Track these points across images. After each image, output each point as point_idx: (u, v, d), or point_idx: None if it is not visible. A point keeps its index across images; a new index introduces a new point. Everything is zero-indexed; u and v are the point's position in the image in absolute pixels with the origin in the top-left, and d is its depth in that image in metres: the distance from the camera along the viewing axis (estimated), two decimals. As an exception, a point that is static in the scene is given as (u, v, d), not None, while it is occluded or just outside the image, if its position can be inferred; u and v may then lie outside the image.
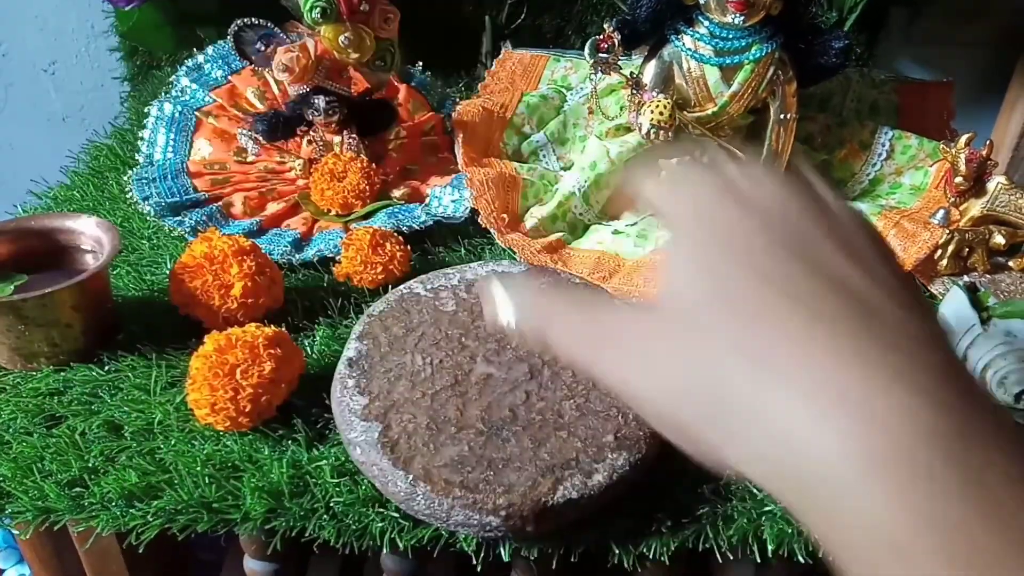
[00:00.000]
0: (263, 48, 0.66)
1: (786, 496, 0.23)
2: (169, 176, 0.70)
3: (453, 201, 0.68)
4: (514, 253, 0.63)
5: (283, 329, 0.48)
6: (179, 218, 0.65)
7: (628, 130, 0.71)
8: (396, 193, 0.70)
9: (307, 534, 0.43)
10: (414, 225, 0.65)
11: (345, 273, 0.59)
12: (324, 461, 0.44)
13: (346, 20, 0.64)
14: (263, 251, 0.55)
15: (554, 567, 0.43)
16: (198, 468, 0.44)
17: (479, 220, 0.65)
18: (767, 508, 0.43)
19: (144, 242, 0.65)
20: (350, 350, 0.47)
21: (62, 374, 0.50)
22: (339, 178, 0.67)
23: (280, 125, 0.69)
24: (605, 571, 0.44)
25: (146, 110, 0.78)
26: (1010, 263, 0.65)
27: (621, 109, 0.73)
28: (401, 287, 0.52)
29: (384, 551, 0.43)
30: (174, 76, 0.82)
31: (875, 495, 0.21)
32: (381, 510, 0.42)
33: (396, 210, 0.67)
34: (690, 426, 0.25)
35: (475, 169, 0.69)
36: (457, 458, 0.41)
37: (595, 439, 0.42)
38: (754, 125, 0.71)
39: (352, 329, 0.49)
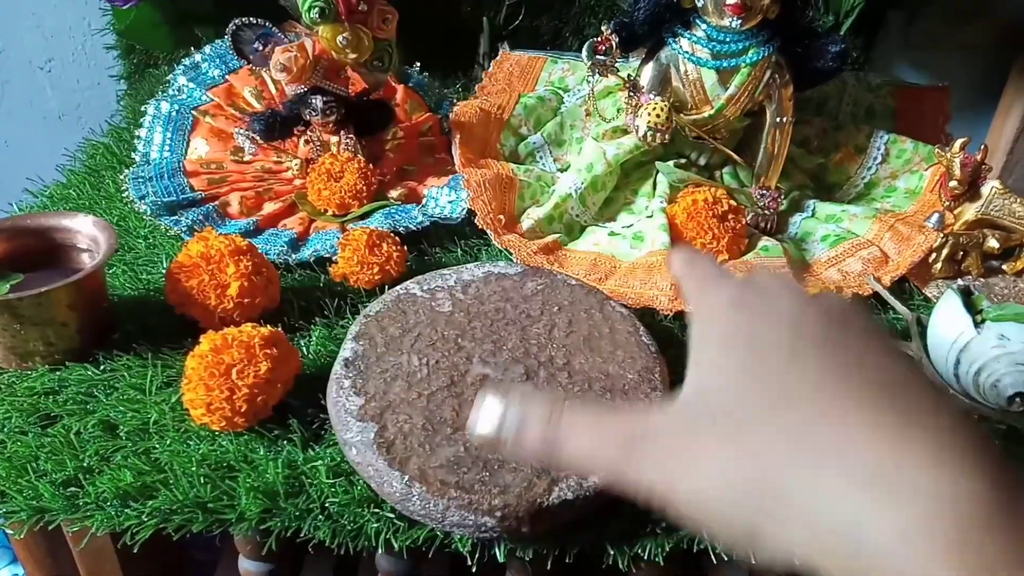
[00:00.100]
0: (261, 48, 0.66)
1: None
2: (166, 175, 0.70)
3: (450, 202, 0.68)
4: (510, 254, 0.63)
5: (279, 329, 0.48)
6: (175, 217, 0.65)
7: (625, 132, 0.71)
8: (393, 193, 0.70)
9: (302, 534, 0.43)
10: (411, 226, 0.65)
11: (342, 273, 0.59)
12: (320, 461, 0.44)
13: (344, 20, 0.64)
14: (260, 251, 0.55)
15: (549, 568, 0.43)
16: (193, 468, 0.44)
17: (476, 221, 0.65)
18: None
19: (140, 241, 0.65)
20: (346, 350, 0.47)
21: (57, 373, 0.50)
22: (336, 178, 0.67)
23: (277, 125, 0.69)
24: (600, 572, 0.44)
25: (143, 109, 0.78)
26: (1004, 267, 0.66)
27: (618, 111, 0.73)
28: (397, 288, 0.52)
29: (379, 551, 0.43)
30: (171, 75, 0.82)
31: None
32: (376, 510, 0.42)
33: (393, 210, 0.67)
34: (742, 519, 0.26)
35: (472, 170, 0.69)
36: (453, 459, 0.41)
37: (590, 440, 0.42)
38: (750, 128, 0.71)
39: (348, 329, 0.49)
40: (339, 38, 0.64)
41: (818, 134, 0.79)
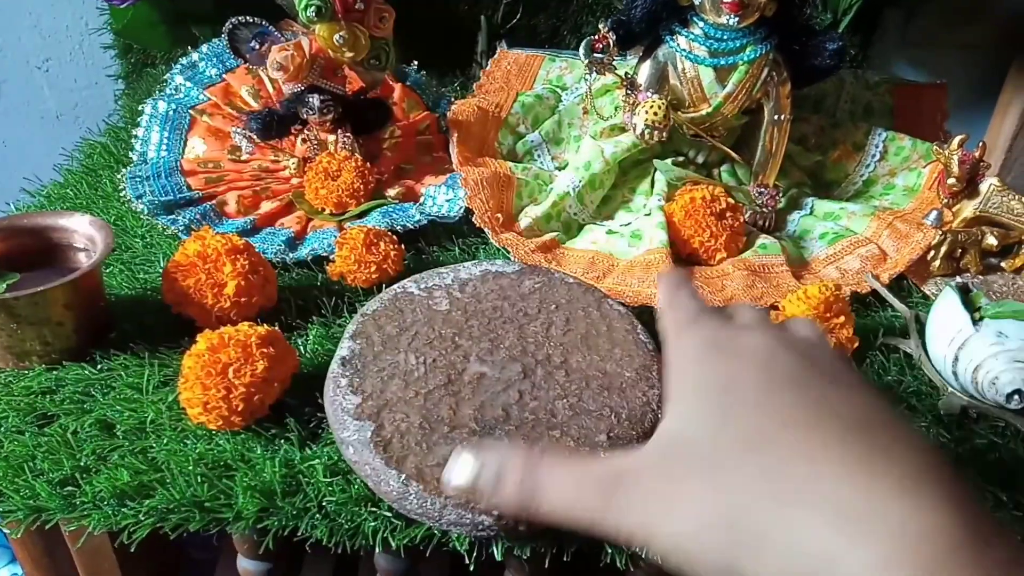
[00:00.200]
0: (258, 46, 0.66)
1: None
2: (163, 174, 0.70)
3: (447, 200, 0.68)
4: (508, 252, 0.63)
5: (276, 328, 0.48)
6: (173, 216, 0.65)
7: (623, 130, 0.71)
8: (390, 192, 0.70)
9: (299, 533, 0.43)
10: (408, 224, 0.65)
11: (339, 272, 0.59)
12: (317, 460, 0.44)
13: (341, 19, 0.64)
14: (257, 250, 0.55)
15: (547, 566, 0.43)
16: (190, 467, 0.44)
17: (473, 219, 0.65)
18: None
19: (137, 240, 0.65)
20: (343, 349, 0.47)
21: (54, 373, 0.50)
22: (333, 177, 0.67)
23: (274, 124, 0.69)
24: (598, 570, 0.44)
25: (140, 108, 0.77)
26: (1002, 264, 0.65)
27: (616, 109, 0.73)
28: (395, 286, 0.52)
29: (377, 550, 0.43)
30: (168, 74, 0.82)
31: None
32: (374, 509, 0.42)
33: (390, 209, 0.67)
34: (720, 558, 0.27)
35: (470, 168, 0.69)
36: (450, 457, 0.40)
37: (588, 438, 0.42)
38: (748, 126, 0.71)
39: (345, 328, 0.49)
40: (336, 37, 0.64)
41: (816, 132, 0.79)
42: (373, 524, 0.42)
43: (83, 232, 0.54)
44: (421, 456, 0.41)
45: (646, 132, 0.65)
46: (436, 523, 0.41)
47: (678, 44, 0.66)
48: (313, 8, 0.63)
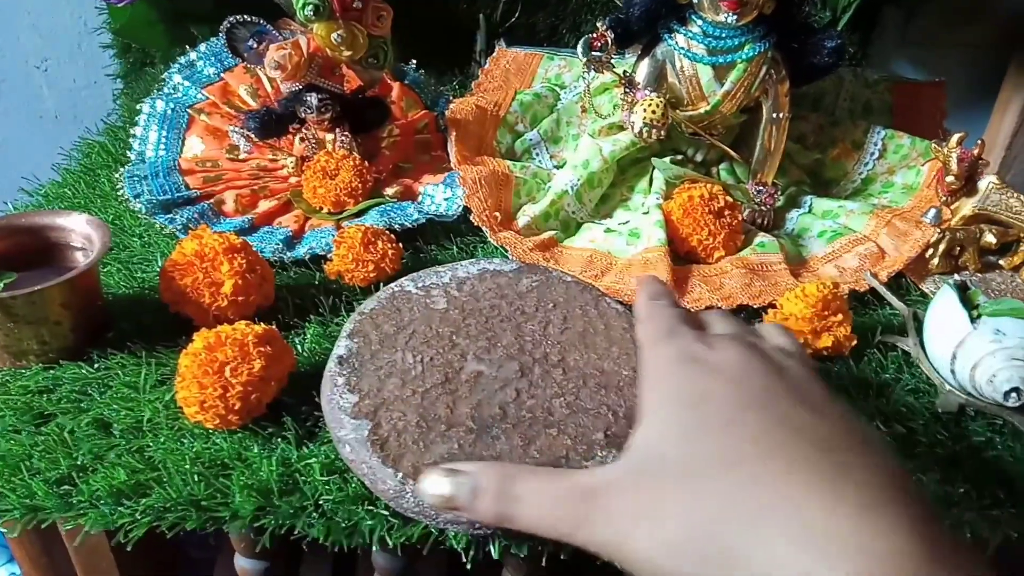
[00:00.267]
0: (255, 45, 0.66)
1: None
2: (161, 173, 0.70)
3: (446, 199, 0.68)
4: (506, 251, 0.63)
5: (273, 327, 0.48)
6: (170, 216, 0.65)
7: (621, 128, 0.71)
8: (389, 191, 0.70)
9: (296, 532, 0.43)
10: (406, 223, 0.65)
11: (336, 271, 0.59)
12: (314, 459, 0.44)
13: (339, 17, 0.64)
14: (254, 249, 0.55)
15: (544, 564, 0.43)
16: (187, 466, 0.43)
17: (471, 218, 0.65)
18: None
19: (135, 240, 0.65)
20: (340, 348, 0.47)
21: (51, 372, 0.50)
22: (331, 176, 0.67)
23: (272, 122, 0.69)
24: (595, 569, 0.44)
25: (138, 107, 0.77)
26: (1001, 262, 0.65)
27: (614, 107, 0.73)
28: (392, 285, 0.52)
29: (374, 549, 0.43)
30: (166, 73, 0.82)
31: None
32: (371, 508, 0.42)
33: (388, 208, 0.67)
34: (691, 573, 0.27)
35: (468, 167, 0.69)
36: (447, 456, 0.40)
37: (585, 437, 0.42)
38: (747, 124, 0.71)
39: (343, 327, 0.49)
40: (333, 35, 0.64)
41: (815, 130, 0.79)
42: (370, 523, 0.42)
43: (80, 231, 0.54)
44: (418, 455, 0.41)
45: (644, 130, 0.65)
46: (433, 522, 0.40)
47: (676, 42, 0.66)
48: (311, 7, 0.62)
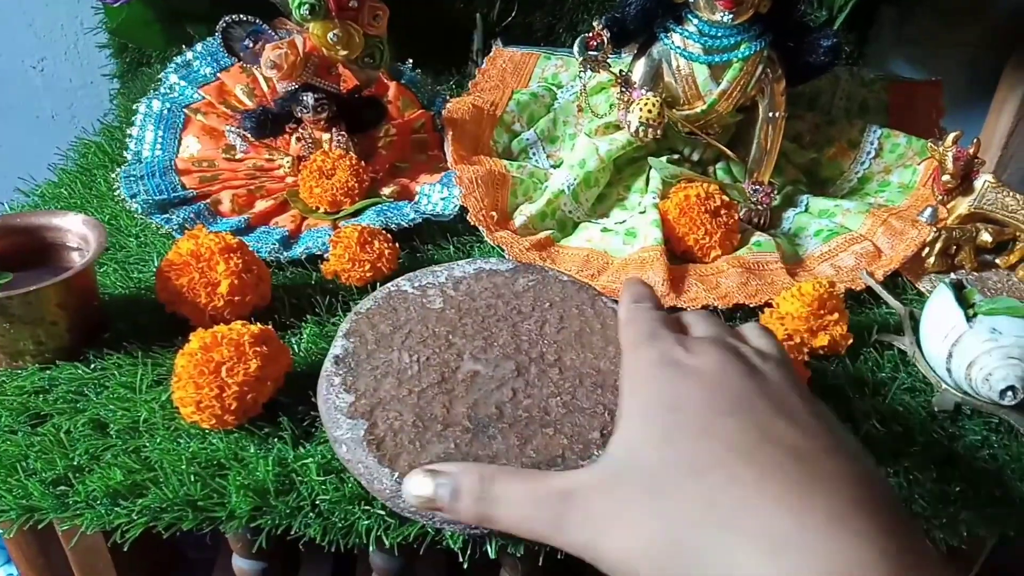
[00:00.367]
0: (251, 45, 0.66)
1: None
2: (157, 173, 0.70)
3: (442, 199, 0.68)
4: (503, 251, 0.63)
5: (270, 327, 0.48)
6: (167, 216, 0.65)
7: (617, 128, 0.71)
8: (385, 191, 0.70)
9: (293, 532, 0.43)
10: (403, 223, 0.65)
11: (333, 271, 0.59)
12: (310, 459, 0.44)
13: (335, 17, 0.64)
14: (251, 248, 0.55)
15: (540, 564, 0.43)
16: (183, 466, 0.43)
17: (468, 218, 0.65)
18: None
19: (131, 240, 0.64)
20: (336, 347, 0.47)
21: (47, 372, 0.50)
22: (328, 175, 0.67)
23: (269, 122, 0.69)
24: (592, 568, 0.44)
25: (135, 107, 0.77)
26: (997, 261, 0.66)
27: (610, 107, 0.73)
28: (388, 284, 0.52)
29: (371, 549, 0.43)
30: (163, 73, 0.81)
31: None
32: (367, 508, 0.42)
33: (385, 207, 0.67)
34: None
35: (464, 167, 0.69)
36: (443, 456, 0.40)
37: (581, 436, 0.42)
38: (743, 123, 0.71)
39: (339, 327, 0.49)
40: (329, 35, 0.64)
41: (811, 129, 0.79)
42: (367, 522, 0.42)
43: (76, 231, 0.54)
44: (414, 454, 0.40)
45: (641, 129, 0.65)
46: (429, 521, 0.40)
47: (672, 41, 0.66)
48: (307, 6, 0.62)
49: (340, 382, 0.44)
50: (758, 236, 0.66)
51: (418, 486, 0.34)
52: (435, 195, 0.68)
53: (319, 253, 0.61)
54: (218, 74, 0.80)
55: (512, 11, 0.97)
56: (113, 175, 0.69)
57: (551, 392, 0.44)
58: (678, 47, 0.66)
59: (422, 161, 0.76)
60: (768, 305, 0.57)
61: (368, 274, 0.58)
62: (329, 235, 0.61)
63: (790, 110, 0.70)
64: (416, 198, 0.69)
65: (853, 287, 0.61)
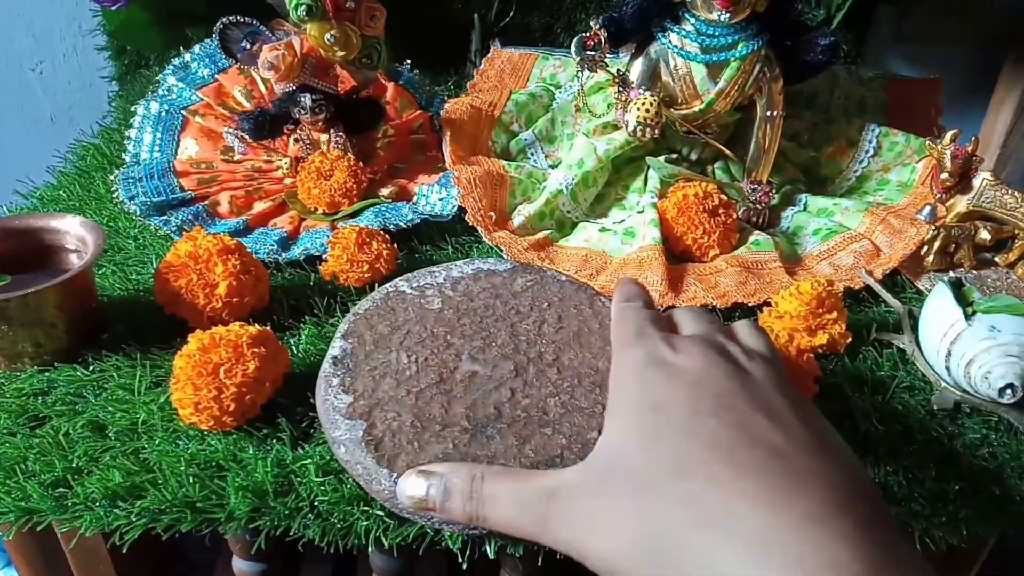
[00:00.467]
0: (249, 46, 0.66)
1: None
2: (155, 175, 0.70)
3: (441, 199, 0.68)
4: (501, 251, 0.63)
5: (268, 328, 0.48)
6: (165, 217, 0.65)
7: (615, 127, 0.71)
8: (383, 191, 0.70)
9: (292, 533, 0.43)
10: (401, 223, 0.65)
11: (331, 272, 0.59)
12: (309, 460, 0.44)
13: (332, 18, 0.64)
14: (249, 250, 0.55)
15: (540, 564, 0.43)
16: (182, 468, 0.43)
17: (466, 218, 0.65)
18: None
19: (130, 242, 0.64)
20: (335, 348, 0.46)
21: (46, 374, 0.50)
22: (326, 176, 0.67)
23: (267, 123, 0.69)
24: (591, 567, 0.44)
25: (133, 109, 0.77)
26: (996, 259, 0.65)
27: (608, 107, 0.73)
28: (387, 285, 0.52)
29: (370, 550, 0.43)
30: (161, 75, 0.81)
31: None
32: (366, 508, 0.42)
33: (383, 208, 0.67)
34: (648, 574, 0.28)
35: (462, 167, 0.69)
36: (442, 456, 0.40)
37: (580, 436, 0.42)
38: (741, 122, 0.71)
39: (337, 328, 0.49)
40: (327, 36, 0.64)
41: (809, 128, 0.79)
42: (366, 523, 0.42)
43: (74, 233, 0.54)
44: (413, 455, 0.40)
45: (639, 129, 0.65)
46: (428, 522, 0.40)
47: (670, 41, 0.66)
48: (304, 7, 0.62)
49: (338, 383, 0.44)
50: (757, 235, 0.66)
51: (411, 487, 0.35)
52: (433, 196, 0.68)
53: (317, 254, 0.61)
54: (216, 76, 0.80)
55: (510, 11, 0.97)
56: (111, 177, 0.69)
57: (549, 392, 0.44)
58: (675, 46, 0.66)
59: (420, 162, 0.76)
60: (767, 304, 0.57)
61: (366, 275, 0.58)
62: (327, 236, 0.61)
63: (788, 109, 0.70)
64: (414, 199, 0.69)
65: (852, 286, 0.61)
